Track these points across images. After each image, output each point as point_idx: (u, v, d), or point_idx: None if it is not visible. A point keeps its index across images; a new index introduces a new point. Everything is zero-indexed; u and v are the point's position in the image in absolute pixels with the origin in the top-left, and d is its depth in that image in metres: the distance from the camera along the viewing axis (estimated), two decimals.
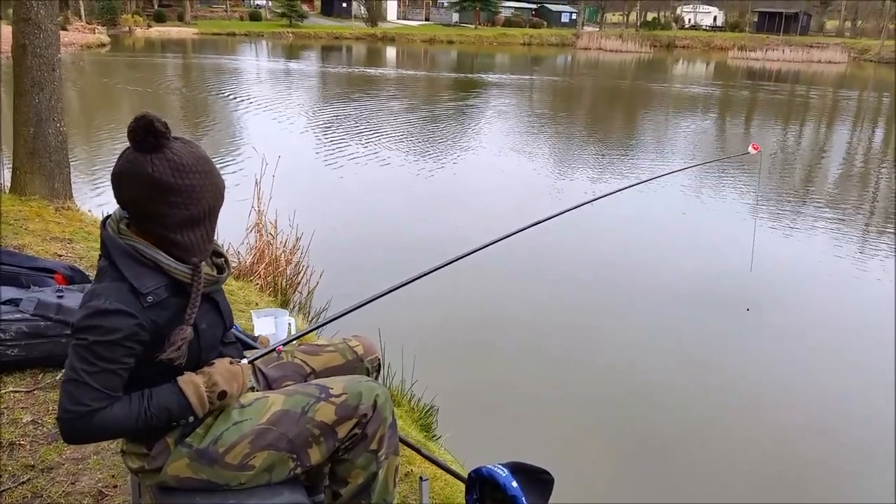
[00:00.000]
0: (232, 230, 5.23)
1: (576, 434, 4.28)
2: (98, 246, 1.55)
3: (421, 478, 2.01)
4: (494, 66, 36.59)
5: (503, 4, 62.93)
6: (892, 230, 8.78)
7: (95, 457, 2.42)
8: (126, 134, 1.44)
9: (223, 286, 1.71)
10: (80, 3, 44.46)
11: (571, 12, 65.59)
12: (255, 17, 54.31)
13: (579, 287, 6.57)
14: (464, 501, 2.00)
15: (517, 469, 1.86)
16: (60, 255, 4.28)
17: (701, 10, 67.97)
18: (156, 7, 51.97)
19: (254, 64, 31.11)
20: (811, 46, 48.17)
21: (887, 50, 45.79)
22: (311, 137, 13.51)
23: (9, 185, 5.60)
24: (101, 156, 10.90)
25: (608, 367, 5.07)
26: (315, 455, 1.65)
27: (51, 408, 2.66)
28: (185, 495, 1.59)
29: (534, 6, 65.22)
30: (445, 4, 62.69)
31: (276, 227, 5.49)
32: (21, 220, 4.84)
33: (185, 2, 50.86)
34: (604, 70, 36.70)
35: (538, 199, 9.37)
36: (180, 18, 50.09)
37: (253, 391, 1.74)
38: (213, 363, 1.59)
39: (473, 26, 57.83)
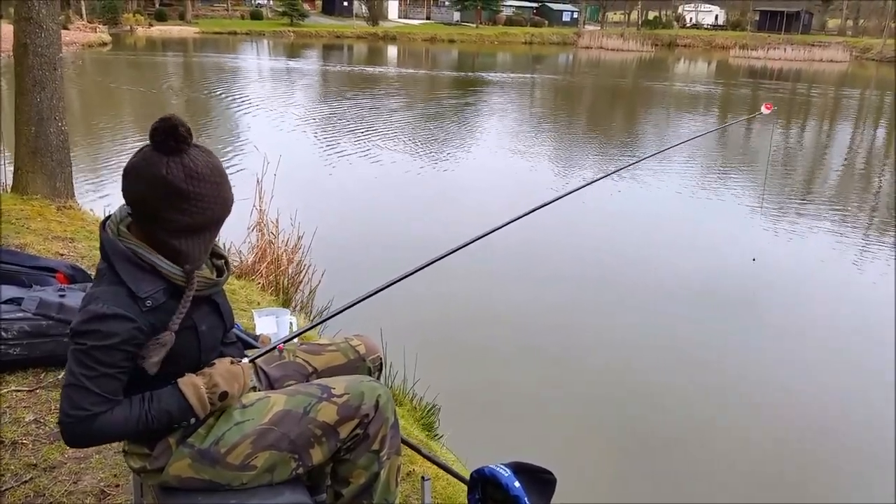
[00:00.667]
0: (234, 229, 5.24)
1: (578, 433, 4.28)
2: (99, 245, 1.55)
3: (423, 477, 2.01)
4: (495, 64, 36.57)
5: (504, 3, 62.91)
6: (892, 230, 8.77)
7: (97, 456, 2.43)
8: (148, 132, 1.44)
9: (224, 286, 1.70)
10: (82, 2, 44.46)
11: (573, 11, 65.56)
12: (256, 15, 54.26)
13: (581, 286, 6.57)
14: (466, 501, 2.00)
15: (519, 469, 1.86)
16: (62, 255, 4.28)
17: (702, 8, 67.88)
18: (157, 6, 51.96)
19: (255, 63, 31.11)
20: (813, 45, 48.08)
21: (889, 49, 45.70)
22: (311, 136, 13.51)
23: (10, 184, 5.60)
24: (103, 155, 10.91)
25: (610, 366, 5.07)
26: (317, 455, 1.65)
27: (53, 407, 2.67)
28: (187, 495, 1.59)
29: (535, 5, 65.18)
30: (447, 3, 62.67)
31: (277, 226, 5.49)
32: (23, 219, 4.84)
33: (186, 1, 50.83)
34: (605, 69, 36.67)
35: (539, 198, 9.34)
36: (181, 17, 50.07)
37: (255, 391, 1.75)
38: (214, 364, 1.59)
39: (475, 25, 57.81)
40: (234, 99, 18.16)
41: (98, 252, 1.54)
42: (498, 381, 4.81)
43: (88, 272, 3.57)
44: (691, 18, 68.34)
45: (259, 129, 13.92)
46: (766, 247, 7.82)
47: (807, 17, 60.58)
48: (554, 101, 22.56)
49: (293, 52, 37.24)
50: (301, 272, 5.48)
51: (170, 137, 1.42)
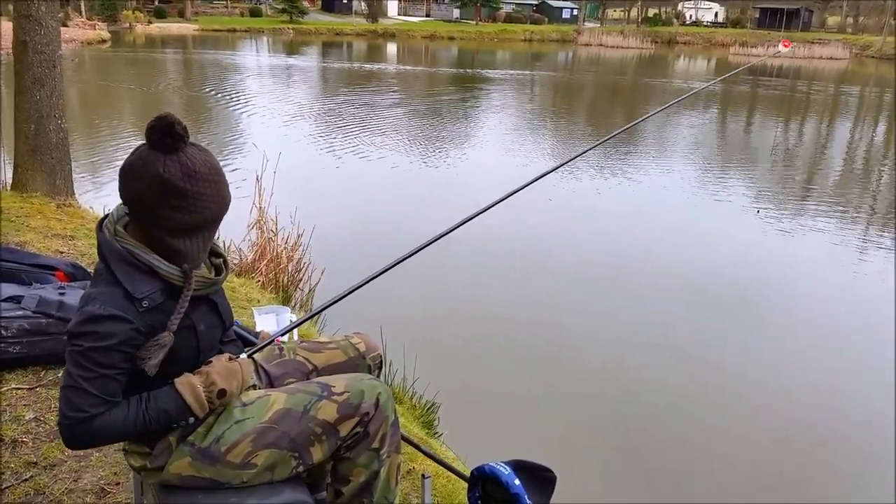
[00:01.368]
0: (233, 227, 5.24)
1: (579, 432, 4.28)
2: None
3: (423, 475, 2.01)
4: (495, 62, 36.52)
5: (504, 0, 62.82)
6: (892, 228, 8.77)
7: (98, 454, 2.43)
8: (144, 130, 1.43)
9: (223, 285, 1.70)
10: None
11: (572, 8, 65.45)
12: (255, 13, 54.18)
13: (584, 284, 6.56)
14: (466, 499, 2.00)
15: (520, 467, 1.86)
16: (62, 252, 4.28)
17: (702, 6, 67.81)
18: (156, 3, 51.86)
19: (254, 60, 31.07)
20: (813, 43, 48.02)
21: (889, 46, 45.66)
22: (311, 133, 13.48)
23: (10, 181, 5.60)
24: (102, 152, 10.89)
25: (609, 364, 5.07)
26: (317, 453, 1.65)
27: (53, 405, 2.67)
28: (187, 494, 1.59)
29: (535, 2, 65.14)
30: (446, 0, 62.58)
31: (276, 224, 5.49)
32: (22, 216, 4.84)
33: None
34: (605, 66, 36.63)
35: (539, 198, 9.35)
36: (181, 15, 49.98)
37: (255, 389, 1.75)
38: (211, 361, 1.59)
39: (474, 22, 57.75)
40: (234, 96, 18.14)
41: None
42: (498, 378, 4.80)
43: (88, 270, 3.56)
44: (691, 16, 68.27)
45: (258, 127, 13.90)
46: (764, 245, 7.82)
47: (807, 14, 60.54)
48: (553, 99, 22.53)
49: (292, 49, 37.19)
50: (301, 270, 5.47)
51: (166, 135, 1.42)
